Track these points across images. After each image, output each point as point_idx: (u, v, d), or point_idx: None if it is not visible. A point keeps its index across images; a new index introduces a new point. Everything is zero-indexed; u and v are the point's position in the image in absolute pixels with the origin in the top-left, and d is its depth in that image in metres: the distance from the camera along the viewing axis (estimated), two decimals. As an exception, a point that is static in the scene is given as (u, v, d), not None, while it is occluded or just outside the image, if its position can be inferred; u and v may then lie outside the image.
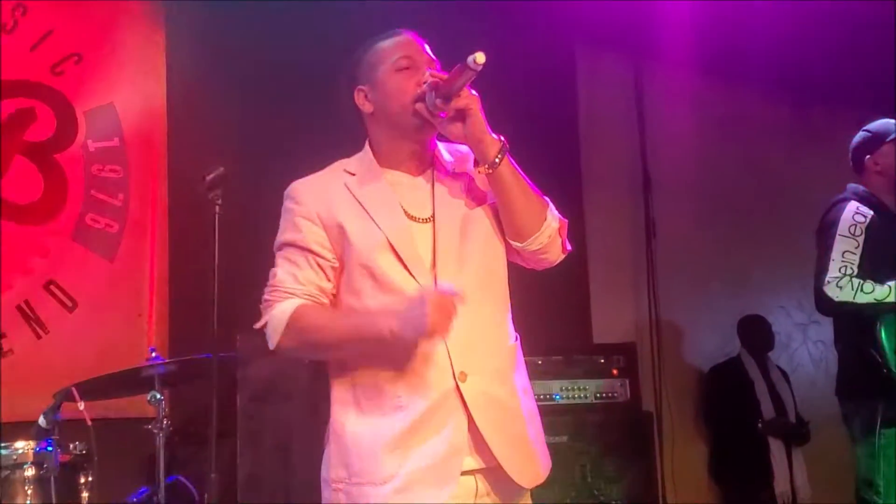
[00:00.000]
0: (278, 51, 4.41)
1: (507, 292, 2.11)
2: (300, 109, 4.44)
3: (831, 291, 3.19)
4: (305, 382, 3.66)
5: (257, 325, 2.02)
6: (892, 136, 3.41)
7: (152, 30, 4.24)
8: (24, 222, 3.91)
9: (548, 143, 5.20)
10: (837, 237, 3.24)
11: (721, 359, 5.50)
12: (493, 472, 1.98)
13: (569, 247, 2.12)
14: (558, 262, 2.10)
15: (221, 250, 4.01)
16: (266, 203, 4.40)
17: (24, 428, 3.32)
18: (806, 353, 6.10)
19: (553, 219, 2.05)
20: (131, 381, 2.96)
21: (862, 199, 3.36)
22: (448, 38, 4.66)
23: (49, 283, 3.91)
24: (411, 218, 2.03)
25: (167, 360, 2.89)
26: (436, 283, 1.97)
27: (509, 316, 2.11)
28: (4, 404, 3.70)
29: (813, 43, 5.69)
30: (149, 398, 2.88)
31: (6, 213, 3.87)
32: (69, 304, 3.93)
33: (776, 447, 5.03)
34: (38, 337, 3.86)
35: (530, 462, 2.01)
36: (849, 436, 3.36)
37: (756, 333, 5.36)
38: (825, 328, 6.14)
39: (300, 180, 2.10)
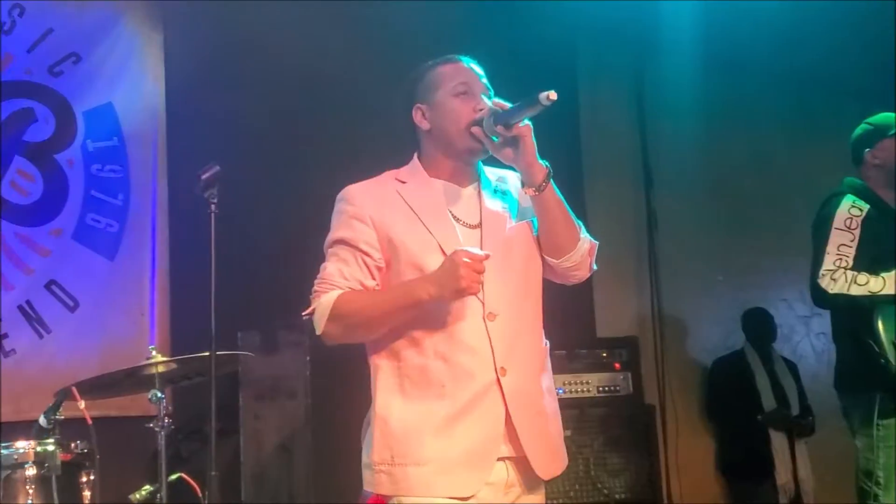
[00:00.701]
0: (276, 50, 4.40)
1: (540, 302, 2.28)
2: (298, 108, 4.44)
3: (825, 283, 3.19)
4: (307, 381, 3.66)
5: (305, 313, 2.18)
6: (893, 131, 3.40)
7: (151, 29, 4.25)
8: (24, 223, 3.93)
9: (549, 137, 5.14)
10: (833, 230, 3.24)
11: (724, 351, 5.49)
12: (521, 462, 2.14)
13: (595, 266, 2.31)
14: (585, 279, 2.30)
15: (221, 248, 4.02)
16: (265, 201, 4.43)
17: (25, 428, 3.34)
18: (809, 345, 6.08)
19: (585, 241, 2.25)
20: (132, 380, 2.96)
21: (858, 193, 3.36)
22: (450, 31, 4.73)
23: (50, 282, 3.93)
24: (462, 223, 2.21)
25: (168, 359, 2.88)
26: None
27: (541, 321, 2.28)
28: (7, 404, 3.72)
29: (815, 35, 5.68)
30: (150, 396, 2.88)
31: (7, 214, 3.89)
32: (71, 303, 3.95)
33: (777, 439, 5.01)
34: (41, 336, 3.88)
35: (552, 457, 2.19)
36: (848, 428, 3.36)
37: (759, 326, 5.34)
38: (827, 320, 6.03)
39: (355, 185, 2.26)
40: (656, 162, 5.63)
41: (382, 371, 2.17)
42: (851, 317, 3.27)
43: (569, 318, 5.03)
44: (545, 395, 2.22)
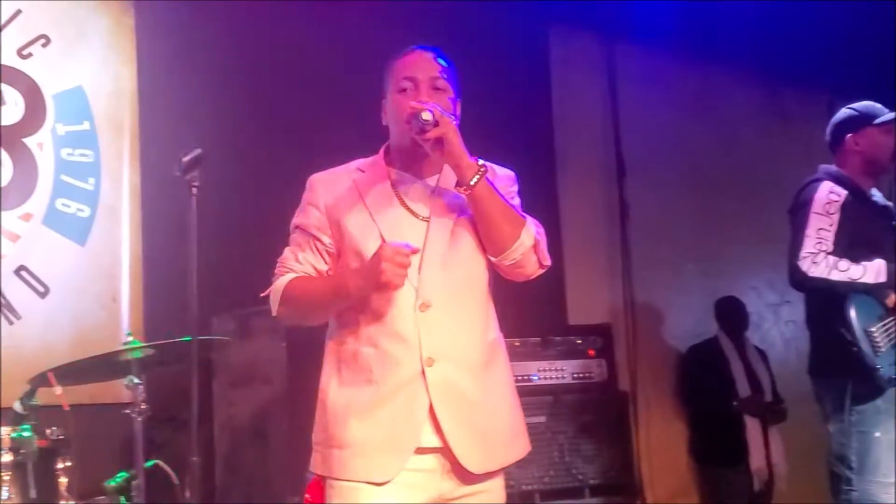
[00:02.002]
0: (249, 32, 4.37)
1: (488, 294, 2.30)
2: (272, 91, 4.41)
3: (805, 266, 3.23)
4: (282, 366, 3.64)
5: (263, 294, 2.29)
6: (879, 121, 3.44)
7: (122, 12, 4.18)
8: (-7, 207, 3.84)
9: (521, 126, 5.20)
10: (812, 215, 3.28)
11: (694, 339, 5.55)
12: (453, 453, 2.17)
13: (547, 262, 2.28)
14: (535, 275, 2.28)
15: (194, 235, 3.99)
16: (238, 185, 4.40)
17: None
18: (778, 333, 6.16)
19: (528, 237, 2.22)
20: (108, 366, 2.93)
21: (835, 180, 3.40)
22: (421, 18, 4.71)
23: (20, 268, 3.86)
24: (411, 213, 2.25)
25: (146, 344, 2.85)
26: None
27: (490, 316, 2.31)
28: (-22, 391, 3.65)
29: (784, 26, 5.74)
30: (126, 382, 2.85)
31: (-25, 198, 3.81)
32: (41, 289, 3.89)
33: (752, 425, 5.08)
34: (10, 323, 3.81)
35: (483, 451, 2.19)
36: (821, 413, 3.40)
37: (732, 314, 5.41)
38: (796, 308, 6.19)
39: (319, 172, 2.35)
40: (628, 151, 5.66)
41: (327, 354, 2.27)
42: (825, 303, 3.31)
43: (541, 305, 5.05)
44: (485, 389, 2.21)
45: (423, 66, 2.28)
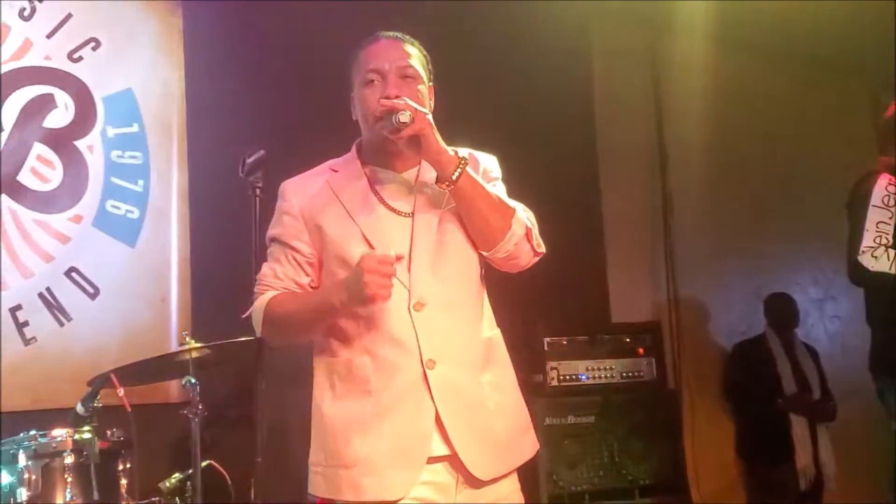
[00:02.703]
0: (296, 34, 4.37)
1: (482, 289, 2.19)
2: (317, 93, 4.40)
3: (866, 261, 3.17)
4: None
5: (244, 315, 2.17)
6: None
7: (169, 13, 4.20)
8: (44, 209, 3.88)
9: (563, 120, 5.17)
10: (871, 208, 3.23)
11: (738, 336, 5.51)
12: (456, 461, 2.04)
13: (541, 249, 2.17)
14: (530, 264, 2.17)
15: (242, 233, 4.01)
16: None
17: (51, 416, 3.33)
18: (822, 329, 6.10)
19: (518, 226, 2.10)
20: (166, 366, 2.95)
21: (894, 172, 3.34)
22: (464, 14, 4.69)
23: (71, 269, 3.90)
24: (392, 210, 2.12)
25: (204, 345, 2.86)
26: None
27: (485, 312, 2.19)
28: (26, 393, 3.70)
29: (828, 18, 5.66)
30: (183, 383, 2.86)
31: (27, 201, 3.85)
32: (91, 290, 3.92)
33: (798, 423, 5.03)
34: (61, 324, 3.85)
35: (487, 455, 2.05)
36: (884, 411, 3.36)
37: (782, 311, 5.35)
38: (841, 304, 6.17)
39: (290, 179, 2.22)
40: (671, 146, 5.62)
41: (317, 368, 2.13)
42: (886, 298, 3.26)
43: (584, 303, 5.04)
44: (486, 389, 2.10)
45: (389, 55, 2.14)
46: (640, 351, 4.17)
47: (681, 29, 5.50)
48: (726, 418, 5.39)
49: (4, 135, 3.85)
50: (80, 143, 3.98)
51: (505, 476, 2.10)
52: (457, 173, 2.05)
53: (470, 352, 2.09)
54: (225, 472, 3.11)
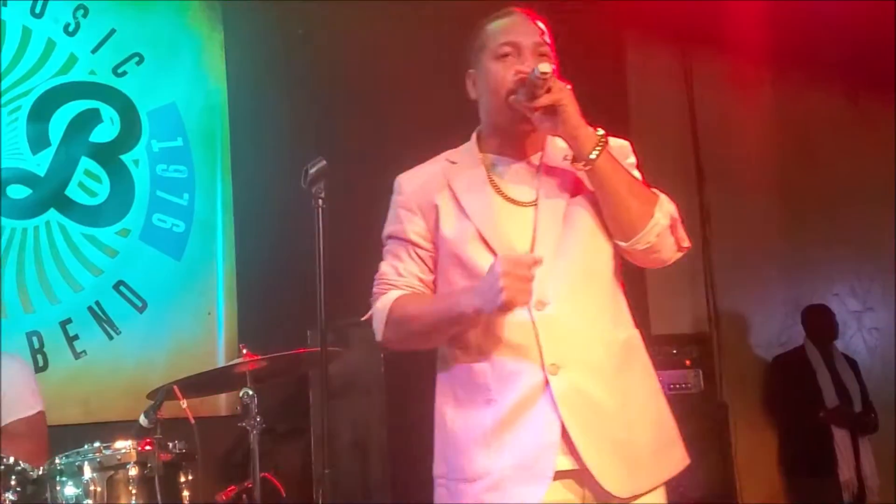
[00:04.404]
0: (335, 47, 4.39)
1: (616, 285, 1.98)
2: (359, 104, 4.42)
3: None
4: (381, 378, 3.64)
5: (364, 318, 2.02)
6: None
7: (211, 28, 4.24)
8: (92, 223, 3.92)
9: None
10: None
11: (778, 348, 5.46)
12: (585, 475, 1.86)
13: (687, 244, 1.97)
14: (673, 260, 1.97)
15: (289, 245, 4.01)
16: (330, 197, 4.43)
17: (99, 429, 3.34)
18: (861, 340, 6.04)
19: (663, 215, 1.91)
20: (225, 379, 2.95)
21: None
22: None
23: (118, 283, 3.92)
24: (512, 201, 1.95)
25: (262, 357, 2.86)
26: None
27: (621, 311, 1.99)
28: (76, 406, 3.72)
29: (865, 31, 5.64)
30: (241, 395, 2.86)
31: (75, 215, 3.89)
32: (139, 304, 3.94)
33: (840, 436, 4.98)
34: (110, 338, 3.87)
35: (623, 469, 1.86)
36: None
37: (820, 323, 5.31)
38: (880, 315, 6.11)
39: (405, 172, 2.08)
40: (707, 157, 5.60)
41: (439, 373, 1.99)
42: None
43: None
44: (621, 397, 1.88)
45: (525, 29, 1.97)
46: (688, 362, 4.14)
47: (716, 41, 5.50)
48: (769, 431, 5.34)
49: (52, 150, 3.88)
50: (126, 158, 4.01)
51: (647, 493, 1.91)
52: (596, 151, 1.86)
53: (601, 355, 1.89)
54: (279, 485, 3.09)
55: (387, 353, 3.68)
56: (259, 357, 2.84)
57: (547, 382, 1.83)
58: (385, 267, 2.01)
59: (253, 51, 4.29)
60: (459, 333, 1.90)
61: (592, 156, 1.86)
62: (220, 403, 3.88)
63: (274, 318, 3.98)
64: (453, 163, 2.02)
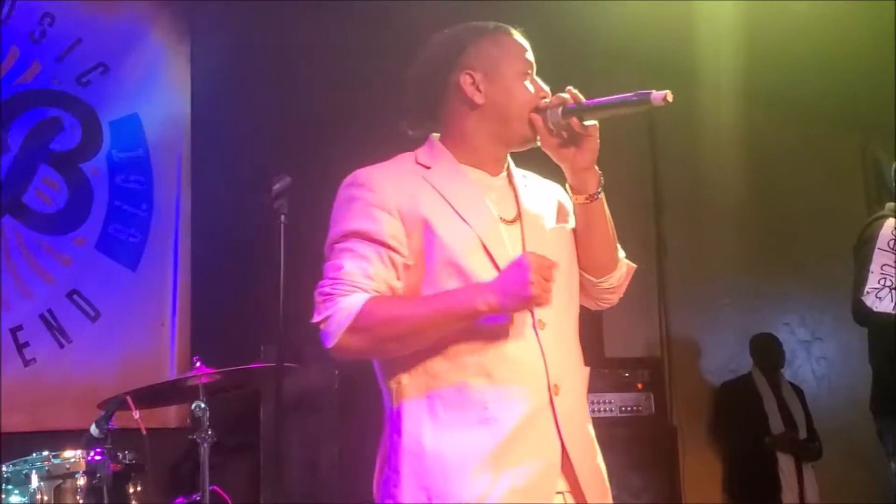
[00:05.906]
0: (302, 61, 4.41)
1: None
2: (324, 119, 4.44)
3: (870, 301, 3.23)
4: (335, 395, 3.65)
5: (315, 321, 1.79)
6: None
7: (177, 41, 4.24)
8: (47, 231, 3.90)
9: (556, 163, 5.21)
10: (876, 251, 3.29)
11: (728, 374, 5.56)
12: (578, 498, 1.85)
13: (621, 292, 2.06)
14: (610, 305, 2.05)
15: (244, 260, 4.01)
16: (289, 210, 4.44)
17: (46, 437, 3.30)
18: (809, 370, 6.16)
19: (624, 262, 2.02)
20: (177, 391, 2.95)
21: (901, 218, 3.41)
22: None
23: (72, 292, 3.90)
24: (500, 217, 1.91)
25: (216, 370, 2.86)
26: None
27: None
28: (25, 414, 3.68)
29: (817, 65, 5.78)
30: (193, 407, 2.86)
31: (30, 222, 3.86)
32: (92, 313, 3.92)
33: (785, 462, 5.08)
34: (61, 346, 3.84)
35: (603, 488, 1.90)
36: (884, 451, 3.40)
37: (767, 351, 5.41)
38: (828, 345, 6.24)
39: (370, 167, 1.91)
40: (666, 188, 5.69)
41: (407, 391, 1.81)
42: (889, 339, 3.31)
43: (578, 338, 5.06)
44: (590, 420, 1.93)
45: (531, 55, 1.99)
46: (640, 386, 4.20)
47: (678, 74, 5.60)
48: (716, 456, 5.43)
49: (10, 155, 3.86)
50: (86, 167, 4.00)
51: None
52: (600, 189, 1.93)
53: (582, 379, 1.92)
54: (228, 498, 3.09)
55: (341, 369, 3.70)
56: (214, 370, 2.84)
57: (551, 402, 1.80)
58: (350, 266, 1.79)
59: (219, 64, 4.30)
60: (442, 343, 1.79)
61: (597, 193, 1.93)
62: (170, 415, 3.87)
63: (227, 331, 3.98)
64: (427, 167, 1.92)
